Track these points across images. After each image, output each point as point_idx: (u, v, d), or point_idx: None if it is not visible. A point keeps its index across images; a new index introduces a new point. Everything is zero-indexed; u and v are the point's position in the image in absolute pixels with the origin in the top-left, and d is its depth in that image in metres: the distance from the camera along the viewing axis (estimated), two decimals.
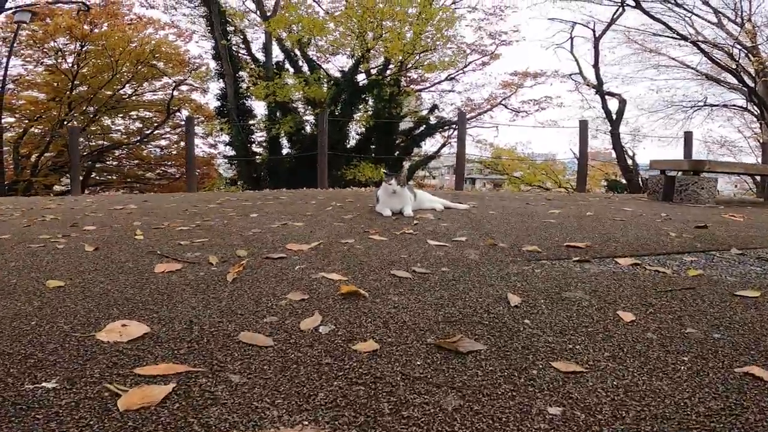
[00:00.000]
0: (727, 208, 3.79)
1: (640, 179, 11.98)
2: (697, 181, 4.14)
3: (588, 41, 12.44)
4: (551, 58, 26.42)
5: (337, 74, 12.31)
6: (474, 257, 1.65)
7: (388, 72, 11.74)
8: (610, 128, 12.45)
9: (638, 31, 11.42)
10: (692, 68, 11.50)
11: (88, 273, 1.50)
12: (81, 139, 11.17)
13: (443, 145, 14.56)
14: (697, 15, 10.25)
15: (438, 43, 11.03)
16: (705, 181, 4.15)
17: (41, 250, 1.84)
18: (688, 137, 7.52)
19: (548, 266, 1.57)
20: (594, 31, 12.02)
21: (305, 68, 12.22)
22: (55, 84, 10.79)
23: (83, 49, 10.59)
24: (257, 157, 12.53)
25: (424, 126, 13.36)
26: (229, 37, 11.99)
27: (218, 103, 12.71)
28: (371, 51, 10.95)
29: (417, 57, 11.15)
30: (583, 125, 7.10)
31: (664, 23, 10.21)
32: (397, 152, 13.05)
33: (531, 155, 18.13)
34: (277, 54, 12.63)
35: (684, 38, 10.26)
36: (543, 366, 0.90)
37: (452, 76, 13.48)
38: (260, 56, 12.70)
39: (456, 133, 7.15)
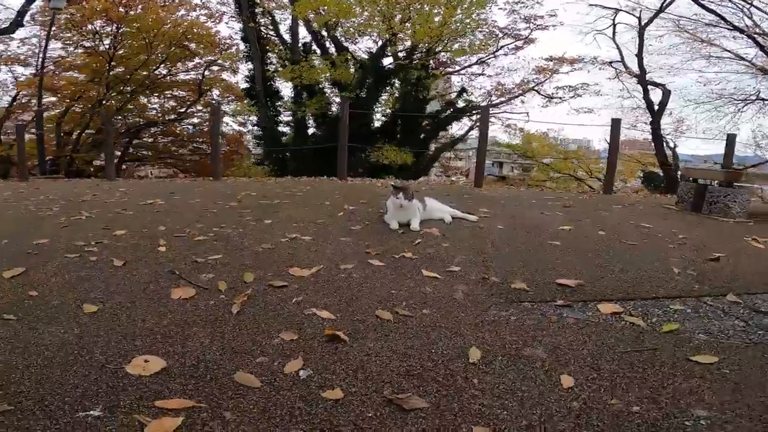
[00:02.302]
0: (757, 223, 3.58)
1: (678, 173, 11.47)
2: (730, 193, 3.90)
3: (633, 29, 11.74)
4: (590, 45, 25.03)
5: (365, 56, 12.26)
6: (459, 296, 1.78)
7: (416, 56, 11.59)
8: (650, 119, 11.91)
9: (689, 20, 10.66)
10: (747, 61, 10.69)
11: (117, 295, 1.73)
12: (119, 117, 11.73)
13: (471, 129, 14.37)
14: (756, 7, 9.47)
15: (468, 28, 10.77)
16: (738, 193, 3.91)
17: (77, 263, 2.08)
18: (730, 139, 7.01)
19: (527, 312, 1.64)
20: (639, 18, 11.35)
21: (332, 50, 12.22)
22: (94, 65, 11.28)
23: (119, 31, 10.97)
24: (283, 138, 12.81)
25: (452, 109, 13.20)
26: (257, 19, 12.09)
27: (247, 85, 12.99)
28: (398, 35, 10.83)
29: (445, 42, 10.95)
30: (615, 124, 6.24)
31: (718, 14, 9.53)
32: (423, 135, 13.01)
33: (564, 142, 17.62)
34: (304, 35, 12.67)
35: (740, 30, 9.57)
36: (465, 430, 1.02)
37: (482, 59, 13.16)
38: (288, 38, 12.77)
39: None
